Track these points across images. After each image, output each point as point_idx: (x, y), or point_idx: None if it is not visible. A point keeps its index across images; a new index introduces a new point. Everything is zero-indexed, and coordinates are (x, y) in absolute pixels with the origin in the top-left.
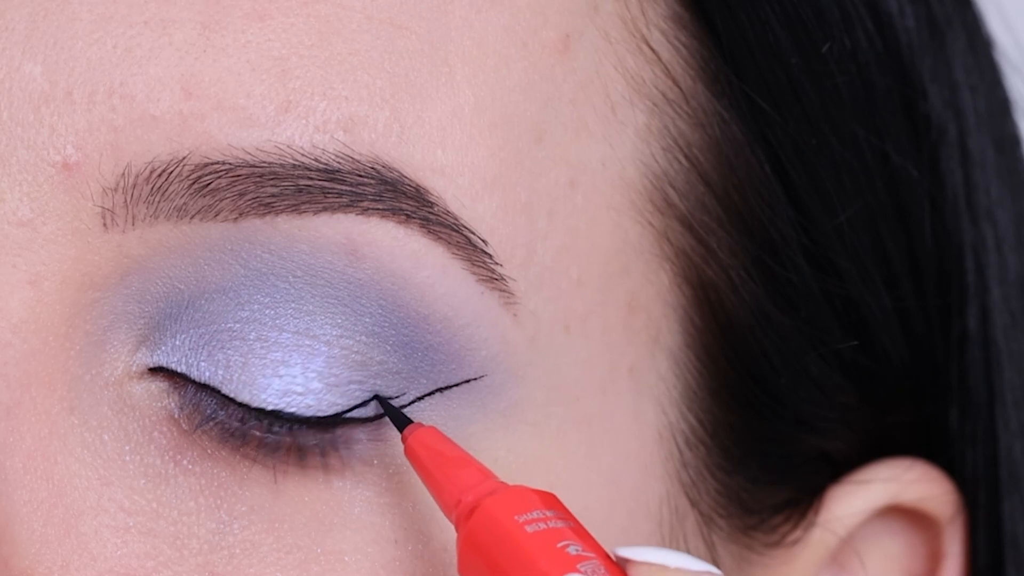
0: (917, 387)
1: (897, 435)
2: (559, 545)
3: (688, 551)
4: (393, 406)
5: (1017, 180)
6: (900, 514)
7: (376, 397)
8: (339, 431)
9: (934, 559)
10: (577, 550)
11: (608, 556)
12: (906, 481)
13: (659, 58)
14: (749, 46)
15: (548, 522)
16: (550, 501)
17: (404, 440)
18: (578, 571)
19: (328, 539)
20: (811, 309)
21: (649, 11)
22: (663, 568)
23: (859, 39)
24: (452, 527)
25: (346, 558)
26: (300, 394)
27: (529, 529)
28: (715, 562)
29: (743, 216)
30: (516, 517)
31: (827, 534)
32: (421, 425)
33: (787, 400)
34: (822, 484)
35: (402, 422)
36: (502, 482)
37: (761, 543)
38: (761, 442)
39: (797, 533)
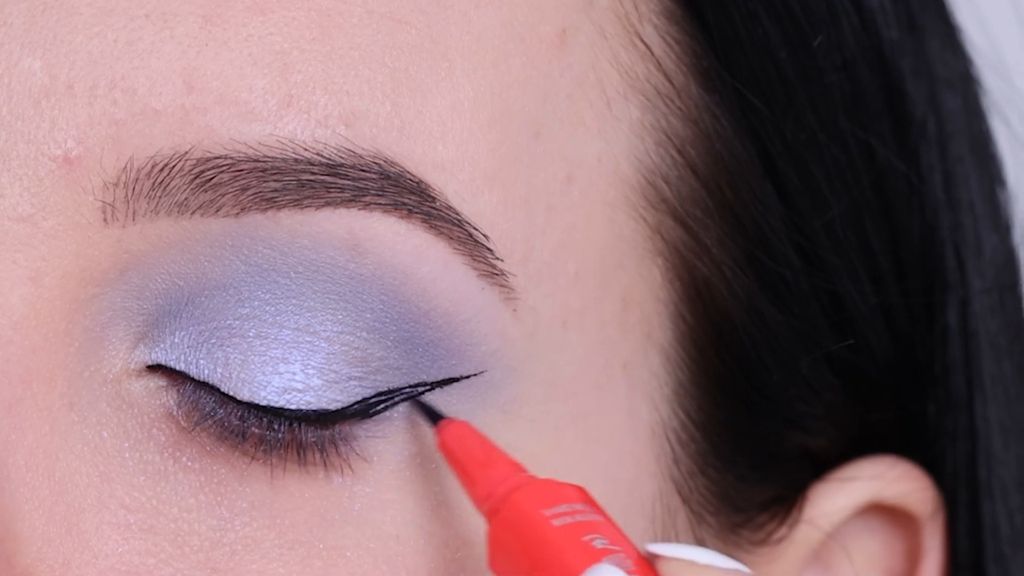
0: (899, 383)
1: (876, 432)
2: (585, 539)
3: None
4: (424, 401)
5: (995, 175)
6: (879, 511)
7: (408, 394)
8: (338, 427)
9: (913, 556)
10: (603, 544)
11: (637, 551)
12: (889, 479)
13: (652, 53)
14: (739, 40)
15: (575, 516)
16: (580, 495)
17: (438, 434)
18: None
19: (329, 535)
20: (802, 305)
21: (642, 6)
22: (692, 564)
23: (844, 33)
24: (453, 523)
25: (348, 553)
26: (300, 391)
27: (556, 523)
28: None
29: (735, 211)
30: (543, 511)
31: (811, 532)
32: (454, 420)
33: (777, 397)
34: (805, 482)
35: (435, 417)
36: (532, 476)
37: (748, 541)
38: (749, 439)
39: (783, 531)
